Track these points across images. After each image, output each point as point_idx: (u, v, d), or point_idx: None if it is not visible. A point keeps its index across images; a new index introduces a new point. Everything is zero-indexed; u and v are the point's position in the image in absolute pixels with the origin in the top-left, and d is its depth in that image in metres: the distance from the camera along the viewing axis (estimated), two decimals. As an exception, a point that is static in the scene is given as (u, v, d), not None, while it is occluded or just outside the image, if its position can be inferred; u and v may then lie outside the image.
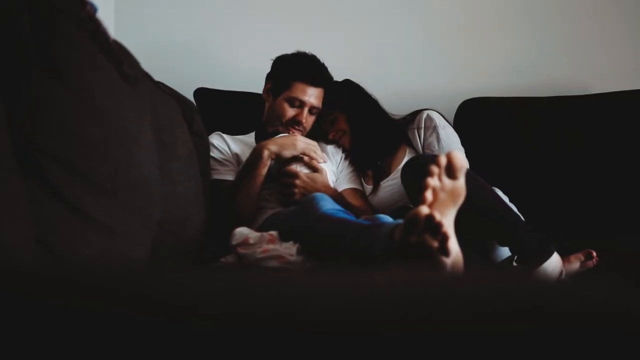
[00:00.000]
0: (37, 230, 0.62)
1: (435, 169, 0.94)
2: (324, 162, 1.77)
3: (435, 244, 0.91)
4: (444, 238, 0.90)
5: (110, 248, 0.73)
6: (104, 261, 0.59)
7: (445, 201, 0.96)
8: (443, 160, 0.94)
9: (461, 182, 0.97)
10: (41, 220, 0.62)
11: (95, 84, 0.70)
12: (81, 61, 0.69)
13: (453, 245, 0.92)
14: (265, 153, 1.66)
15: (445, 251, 0.90)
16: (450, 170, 0.95)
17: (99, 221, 0.69)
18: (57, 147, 0.64)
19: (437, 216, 0.90)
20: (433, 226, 0.90)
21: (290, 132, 1.79)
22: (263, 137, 1.79)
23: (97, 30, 0.75)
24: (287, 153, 1.69)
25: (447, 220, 0.94)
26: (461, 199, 0.98)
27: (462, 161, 0.95)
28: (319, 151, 1.75)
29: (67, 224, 0.65)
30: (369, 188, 1.86)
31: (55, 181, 0.64)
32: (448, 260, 0.91)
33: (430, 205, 0.94)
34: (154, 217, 0.88)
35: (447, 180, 0.95)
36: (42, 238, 0.62)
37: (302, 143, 1.71)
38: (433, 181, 0.94)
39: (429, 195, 0.94)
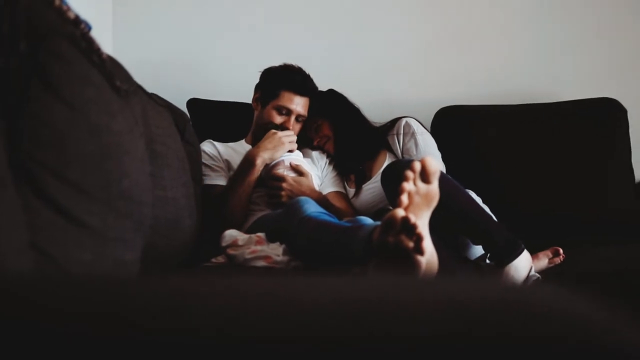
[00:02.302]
0: (33, 236, 0.62)
1: (410, 174, 0.95)
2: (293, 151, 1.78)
3: (411, 244, 0.92)
4: (418, 238, 0.91)
5: (103, 252, 0.73)
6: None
7: (420, 204, 0.97)
8: (417, 166, 0.95)
9: (435, 186, 0.98)
10: (37, 228, 0.63)
11: (88, 100, 0.70)
12: (75, 78, 0.69)
13: (427, 245, 0.93)
14: (259, 160, 1.67)
15: (420, 250, 0.91)
16: (425, 175, 0.96)
17: (92, 227, 0.70)
18: (53, 160, 0.64)
19: (412, 218, 0.91)
20: (408, 227, 0.91)
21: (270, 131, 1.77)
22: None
23: (90, 47, 0.75)
24: (280, 154, 1.71)
25: (422, 222, 0.95)
26: (435, 202, 0.99)
27: (435, 166, 0.97)
28: (294, 139, 1.78)
29: (61, 230, 0.65)
30: (351, 191, 1.87)
31: (51, 191, 0.64)
32: (423, 259, 0.92)
33: (406, 208, 0.95)
34: (145, 222, 0.88)
35: (421, 185, 0.96)
36: (38, 244, 0.63)
37: (286, 138, 1.73)
38: (408, 185, 0.95)
39: (404, 198, 0.95)
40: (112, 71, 0.82)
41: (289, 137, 1.74)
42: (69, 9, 0.73)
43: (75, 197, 0.68)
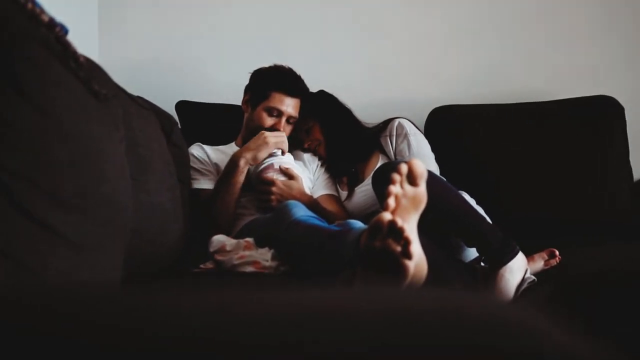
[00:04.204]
0: (5, 246, 0.61)
1: (396, 177, 0.94)
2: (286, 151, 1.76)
3: (398, 248, 0.91)
4: (406, 242, 0.90)
5: (81, 260, 0.72)
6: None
7: (407, 207, 0.96)
8: (404, 169, 0.95)
9: (422, 188, 0.97)
10: (10, 237, 0.62)
11: (62, 105, 0.70)
12: (48, 83, 0.68)
13: (415, 249, 0.92)
14: (242, 161, 1.66)
15: (407, 255, 0.91)
16: (412, 178, 0.95)
17: (67, 236, 0.69)
18: (25, 167, 0.64)
19: (399, 222, 0.91)
20: (395, 231, 0.91)
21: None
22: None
23: (65, 51, 0.75)
24: (263, 154, 1.69)
25: (410, 226, 0.95)
26: (423, 205, 0.99)
27: (422, 169, 0.96)
28: (286, 142, 1.75)
29: (35, 240, 0.65)
30: (344, 194, 1.87)
31: (22, 199, 0.63)
32: (411, 263, 0.92)
33: (393, 212, 0.94)
34: (125, 229, 0.88)
35: (408, 187, 0.96)
36: (11, 253, 0.62)
37: (272, 138, 1.71)
38: (395, 189, 0.94)
39: (391, 202, 0.94)
40: (89, 75, 0.82)
41: (277, 137, 1.72)
42: (42, 11, 0.72)
43: (49, 204, 0.68)
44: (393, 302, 0.30)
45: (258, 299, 0.33)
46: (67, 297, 0.36)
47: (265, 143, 1.69)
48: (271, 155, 1.72)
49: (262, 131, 1.74)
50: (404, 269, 0.91)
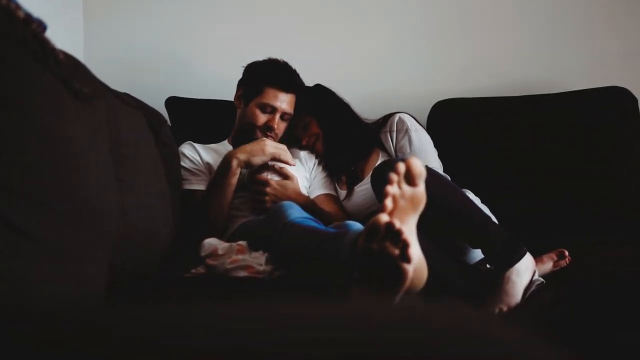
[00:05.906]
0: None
1: (394, 176, 0.94)
2: (293, 165, 1.76)
3: (396, 251, 0.91)
4: (404, 245, 0.91)
5: (62, 268, 0.73)
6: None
7: (405, 208, 0.96)
8: (402, 168, 0.95)
9: (421, 188, 0.97)
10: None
11: (40, 106, 0.70)
12: (25, 84, 0.68)
13: (414, 251, 0.92)
14: (234, 162, 1.66)
15: (406, 258, 0.91)
16: (410, 177, 0.95)
17: (47, 242, 0.69)
18: (0, 171, 0.64)
19: (397, 224, 0.91)
20: (393, 233, 0.91)
21: (260, 137, 1.79)
22: (240, 142, 1.79)
23: (43, 49, 0.75)
24: (257, 160, 1.69)
25: (408, 227, 0.95)
26: (422, 206, 0.99)
27: (420, 168, 0.96)
28: (288, 154, 1.75)
29: (13, 246, 0.65)
30: (343, 193, 1.87)
31: (-1, 205, 0.64)
32: (409, 267, 0.92)
33: (391, 213, 0.94)
34: (110, 234, 0.88)
35: (406, 188, 0.96)
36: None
37: (270, 147, 1.71)
38: (392, 189, 0.94)
39: (388, 203, 0.94)
40: (70, 73, 0.82)
41: (276, 148, 1.73)
42: (17, 7, 0.72)
43: (27, 210, 0.68)
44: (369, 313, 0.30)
45: (256, 305, 0.33)
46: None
47: (262, 150, 1.69)
48: (265, 165, 1.72)
49: (264, 138, 1.75)
50: (402, 273, 0.91)
